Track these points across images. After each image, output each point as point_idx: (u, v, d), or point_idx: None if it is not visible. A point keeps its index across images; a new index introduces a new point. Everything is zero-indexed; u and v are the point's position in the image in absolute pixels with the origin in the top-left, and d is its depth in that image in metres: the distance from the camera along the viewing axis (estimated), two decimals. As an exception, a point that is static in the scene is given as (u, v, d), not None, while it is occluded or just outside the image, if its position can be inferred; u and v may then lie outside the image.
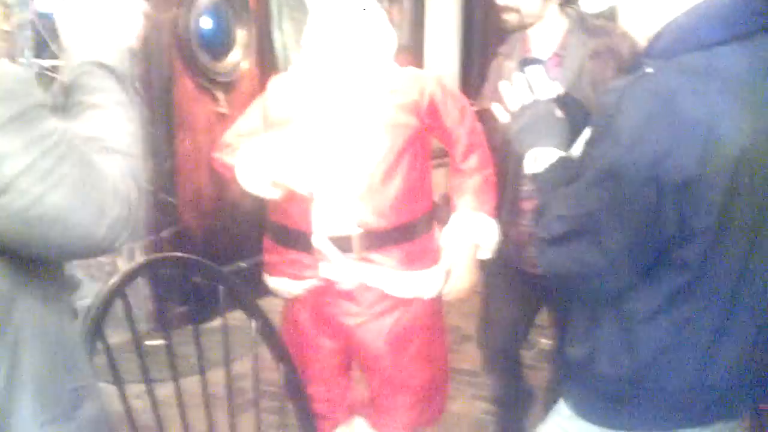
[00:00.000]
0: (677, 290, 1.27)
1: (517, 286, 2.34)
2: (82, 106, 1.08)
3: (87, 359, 1.13)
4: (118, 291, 1.37)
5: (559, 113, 1.47)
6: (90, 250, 0.97)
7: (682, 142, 1.16)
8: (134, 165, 1.05)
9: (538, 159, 1.43)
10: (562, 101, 1.49)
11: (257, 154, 1.94)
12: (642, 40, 1.33)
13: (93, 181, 0.94)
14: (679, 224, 1.21)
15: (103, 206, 0.94)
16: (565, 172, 1.39)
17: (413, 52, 5.33)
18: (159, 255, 1.81)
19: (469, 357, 3.58)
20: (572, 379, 1.46)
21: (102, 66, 1.11)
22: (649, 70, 1.23)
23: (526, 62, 1.53)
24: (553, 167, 1.41)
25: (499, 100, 1.56)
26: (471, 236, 2.03)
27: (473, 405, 3.20)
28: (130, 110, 1.11)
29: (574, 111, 1.49)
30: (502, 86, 1.53)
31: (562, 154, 1.42)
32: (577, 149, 1.46)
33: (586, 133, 1.42)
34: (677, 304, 1.28)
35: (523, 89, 1.49)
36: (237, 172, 1.98)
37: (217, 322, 1.65)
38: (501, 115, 1.54)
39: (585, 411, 1.42)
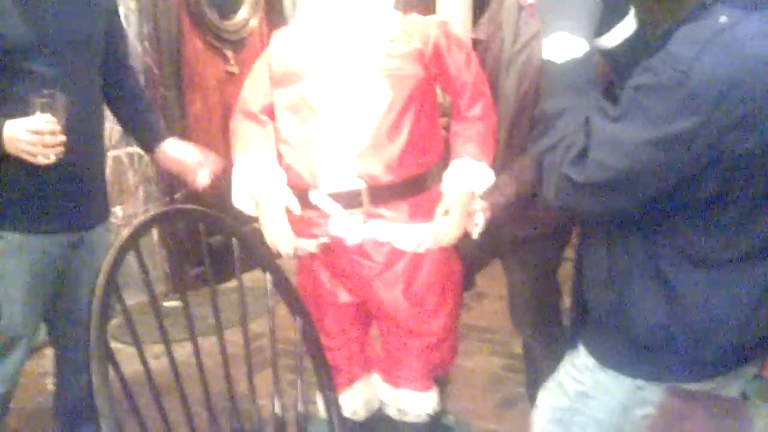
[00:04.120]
0: (721, 245, 1.24)
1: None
2: None
3: None
4: (131, 243, 1.34)
5: None
6: None
7: (762, 114, 1.10)
8: None
9: (561, 46, 1.28)
10: None
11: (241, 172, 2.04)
12: None
13: None
14: (724, 189, 1.18)
15: None
16: (586, 73, 1.27)
17: (425, 8, 5.23)
18: (170, 207, 1.79)
19: (486, 314, 3.59)
20: (596, 327, 1.43)
21: None
22: (724, 19, 1.14)
23: None
24: (576, 64, 1.27)
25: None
26: (470, 185, 2.01)
27: (491, 361, 3.21)
28: None
29: None
30: None
31: (587, 49, 1.28)
32: (609, 41, 1.33)
33: (624, 28, 1.30)
34: (721, 259, 1.25)
35: None
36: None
37: (232, 283, 1.64)
38: None
39: (611, 360, 1.40)
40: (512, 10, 2.15)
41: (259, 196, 1.99)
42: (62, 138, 1.86)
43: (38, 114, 1.83)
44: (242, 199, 2.06)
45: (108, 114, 2.30)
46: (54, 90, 1.86)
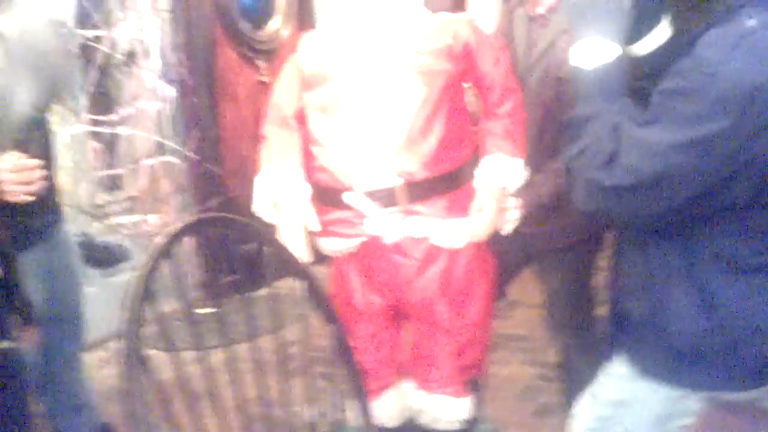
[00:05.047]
0: (757, 250, 1.21)
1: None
2: None
3: None
4: (165, 251, 1.35)
5: (626, 3, 1.27)
6: None
7: None
8: None
9: (591, 52, 1.27)
10: None
11: (264, 179, 2.04)
12: None
13: None
14: (757, 193, 1.15)
15: None
16: (616, 79, 1.26)
17: (455, 7, 5.23)
18: (205, 215, 1.80)
19: (520, 322, 3.55)
20: (634, 336, 1.41)
21: None
22: (752, 21, 1.13)
23: None
24: (606, 69, 1.26)
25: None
26: (502, 181, 2.00)
27: (525, 369, 3.18)
28: None
29: (646, 4, 1.31)
30: None
31: (618, 54, 1.27)
32: (642, 48, 1.30)
33: (658, 35, 1.28)
34: (758, 264, 1.22)
35: None
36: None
37: (264, 291, 1.64)
38: None
39: (649, 369, 1.38)
40: (522, 22, 2.15)
41: (280, 206, 2.00)
42: (44, 172, 1.83)
43: (9, 153, 1.78)
44: (263, 207, 2.07)
45: (143, 125, 2.32)
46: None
